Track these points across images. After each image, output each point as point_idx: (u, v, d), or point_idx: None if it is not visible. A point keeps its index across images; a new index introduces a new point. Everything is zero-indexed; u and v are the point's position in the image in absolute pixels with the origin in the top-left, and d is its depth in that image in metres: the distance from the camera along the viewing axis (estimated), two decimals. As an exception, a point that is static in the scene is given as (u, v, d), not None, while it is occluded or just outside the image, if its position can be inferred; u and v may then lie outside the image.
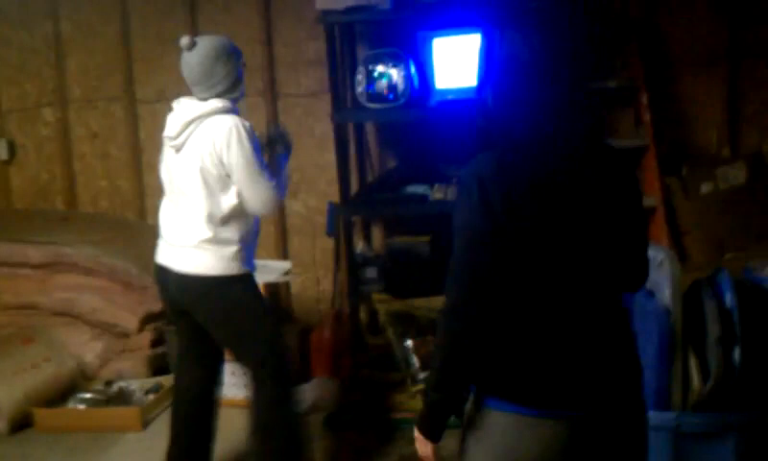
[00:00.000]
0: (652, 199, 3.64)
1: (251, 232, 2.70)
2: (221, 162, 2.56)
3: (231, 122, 2.56)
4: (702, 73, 3.77)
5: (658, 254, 2.73)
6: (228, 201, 2.60)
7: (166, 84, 4.08)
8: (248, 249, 2.68)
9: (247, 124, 2.60)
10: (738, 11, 3.65)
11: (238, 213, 2.62)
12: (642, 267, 1.72)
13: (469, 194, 1.57)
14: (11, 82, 4.47)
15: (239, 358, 2.80)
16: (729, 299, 2.59)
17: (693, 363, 2.55)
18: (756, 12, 3.63)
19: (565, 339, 1.60)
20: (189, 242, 2.63)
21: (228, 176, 2.58)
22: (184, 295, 2.68)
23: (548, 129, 1.59)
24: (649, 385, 2.31)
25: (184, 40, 2.62)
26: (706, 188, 3.50)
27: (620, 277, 1.67)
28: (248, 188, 2.58)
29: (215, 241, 2.61)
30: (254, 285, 2.75)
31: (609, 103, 3.83)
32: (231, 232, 2.62)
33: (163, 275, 2.72)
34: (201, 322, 2.71)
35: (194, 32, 3.81)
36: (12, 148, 4.51)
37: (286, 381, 2.77)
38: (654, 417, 1.96)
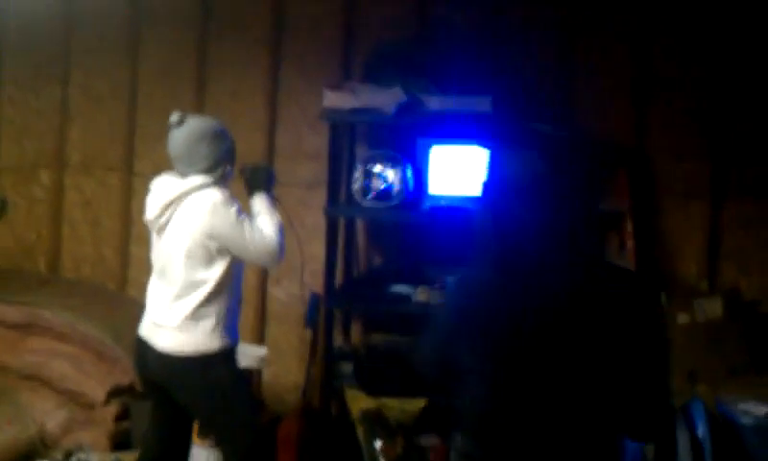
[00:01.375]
0: (631, 324, 3.69)
1: (231, 305, 2.71)
2: (209, 237, 2.60)
3: (212, 196, 2.63)
4: (685, 206, 3.88)
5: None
6: (212, 277, 2.63)
7: (165, 159, 4.11)
8: (229, 321, 2.69)
9: (226, 192, 2.67)
10: (723, 150, 3.80)
11: (219, 288, 2.65)
12: (649, 416, 1.53)
13: (448, 309, 1.68)
14: (11, 140, 4.53)
15: (215, 438, 2.76)
16: (701, 431, 2.60)
17: (664, 492, 2.54)
18: (741, 153, 3.78)
19: None
20: (170, 323, 2.65)
21: (218, 250, 2.61)
22: (165, 373, 2.67)
23: (545, 251, 1.55)
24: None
25: (174, 117, 2.72)
26: (682, 319, 3.55)
27: (615, 423, 1.54)
28: (245, 250, 2.62)
29: (194, 318, 2.62)
30: (235, 363, 2.74)
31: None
32: (209, 307, 2.65)
33: (143, 348, 2.72)
34: (180, 400, 2.68)
35: (200, 114, 3.90)
36: (3, 205, 4.53)
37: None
38: None
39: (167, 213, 2.65)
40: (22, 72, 4.50)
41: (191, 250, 2.61)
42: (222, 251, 2.63)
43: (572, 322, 1.51)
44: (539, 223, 1.56)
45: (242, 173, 2.89)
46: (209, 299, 2.63)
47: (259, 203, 2.80)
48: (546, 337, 1.52)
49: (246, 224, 2.63)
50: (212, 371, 2.64)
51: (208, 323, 2.62)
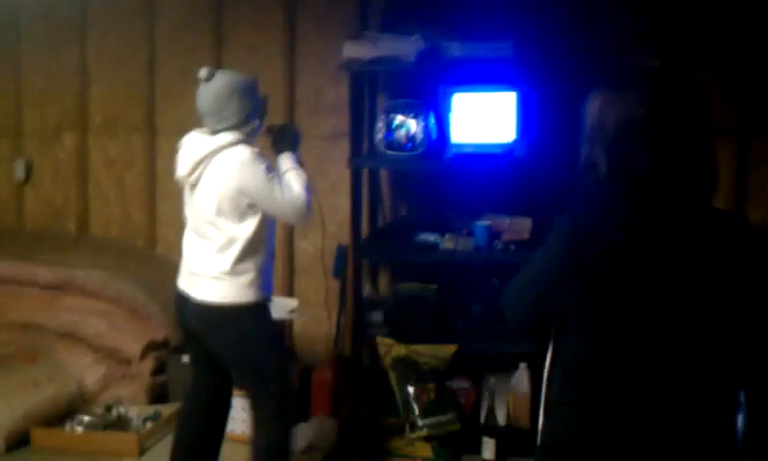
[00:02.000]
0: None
1: (266, 260, 2.75)
2: (240, 194, 2.63)
3: (241, 153, 2.65)
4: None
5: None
6: (244, 232, 2.66)
7: (186, 116, 4.12)
8: (264, 275, 2.74)
9: (255, 150, 2.69)
10: (747, 90, 3.76)
11: (255, 242, 2.69)
12: (758, 364, 1.52)
13: (559, 249, 1.53)
14: (34, 105, 4.56)
15: (247, 388, 2.83)
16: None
17: None
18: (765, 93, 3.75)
19: (636, 433, 1.46)
20: (207, 272, 2.69)
21: (249, 206, 2.65)
22: (200, 323, 2.73)
23: (660, 190, 1.49)
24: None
25: (203, 72, 2.72)
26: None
27: (724, 371, 1.51)
28: (274, 208, 2.66)
29: (232, 272, 2.67)
30: (269, 317, 2.80)
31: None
32: (247, 262, 2.68)
33: (182, 301, 2.77)
34: (214, 350, 2.75)
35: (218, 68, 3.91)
36: (29, 169, 4.58)
37: (288, 419, 2.80)
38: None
39: (198, 170, 2.68)
40: (40, 36, 4.51)
41: (222, 206, 2.64)
42: (252, 207, 2.66)
43: (695, 266, 1.48)
44: (658, 162, 1.49)
45: (269, 132, 2.91)
46: (244, 253, 2.67)
47: (286, 161, 2.82)
48: (668, 282, 1.47)
49: (275, 181, 2.66)
50: (246, 323, 2.70)
51: (245, 277, 2.67)
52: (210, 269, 2.68)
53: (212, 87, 2.70)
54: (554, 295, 1.53)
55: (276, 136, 2.90)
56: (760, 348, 1.50)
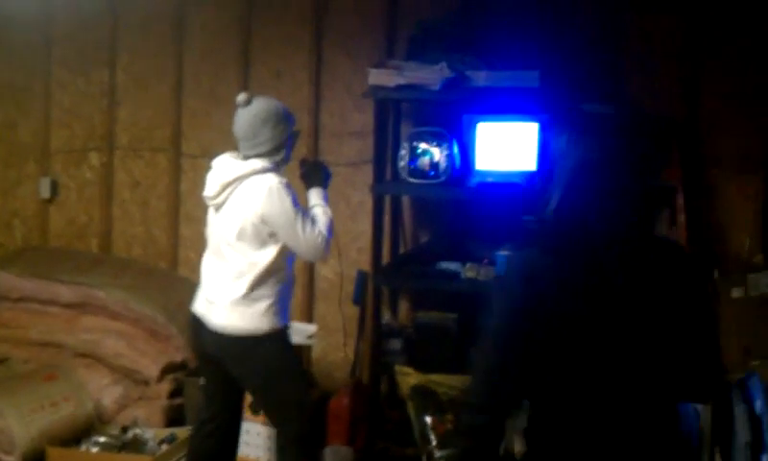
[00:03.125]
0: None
1: (284, 288, 2.74)
2: (263, 221, 2.62)
3: (270, 181, 2.65)
4: (738, 180, 3.82)
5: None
6: (264, 259, 2.66)
7: (212, 140, 4.20)
8: (281, 303, 2.73)
9: (284, 180, 2.68)
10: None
11: (274, 270, 2.68)
12: (707, 377, 1.64)
13: (511, 293, 1.57)
14: (61, 124, 4.61)
15: (268, 414, 2.81)
16: (759, 405, 2.58)
17: (720, 466, 2.53)
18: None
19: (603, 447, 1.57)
20: (224, 298, 2.69)
21: (270, 235, 2.64)
22: (220, 350, 2.72)
23: (610, 229, 1.59)
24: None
25: (241, 97, 2.73)
26: (736, 294, 3.50)
27: (678, 386, 1.62)
28: (294, 241, 2.65)
29: (248, 299, 2.66)
30: (287, 343, 2.78)
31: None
32: (264, 289, 2.67)
33: (198, 324, 2.77)
34: (235, 375, 2.74)
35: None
36: (54, 187, 4.62)
37: (309, 446, 2.77)
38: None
39: (225, 193, 2.69)
40: (70, 56, 4.57)
41: (245, 231, 2.64)
42: (273, 235, 2.66)
43: (633, 296, 1.57)
44: (606, 202, 1.59)
45: (301, 165, 2.93)
46: (262, 280, 2.67)
47: (315, 196, 2.84)
48: (615, 314, 1.56)
49: (300, 215, 2.66)
50: (264, 349, 2.69)
51: (261, 304, 2.66)
52: (227, 295, 2.68)
53: (249, 113, 2.71)
54: (525, 341, 1.56)
55: (307, 170, 2.91)
56: (692, 359, 1.61)
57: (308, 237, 2.66)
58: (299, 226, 2.64)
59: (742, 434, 2.51)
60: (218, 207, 2.72)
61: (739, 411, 2.56)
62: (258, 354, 2.68)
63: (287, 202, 2.63)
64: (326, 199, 2.87)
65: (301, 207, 2.71)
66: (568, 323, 1.54)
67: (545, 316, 1.54)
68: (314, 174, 2.90)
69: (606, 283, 1.56)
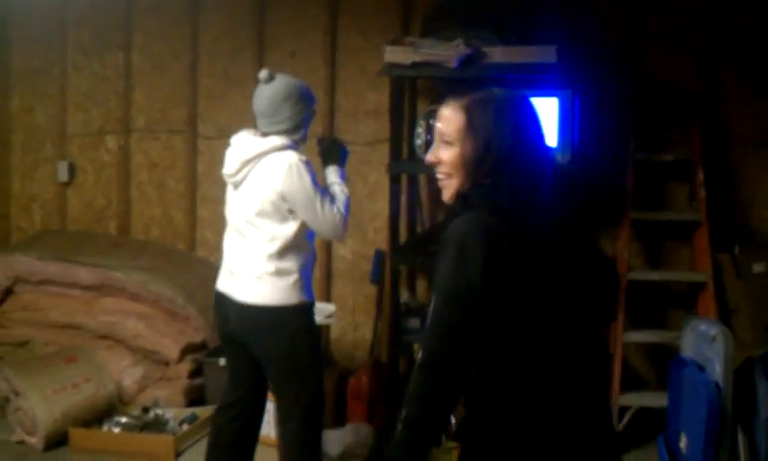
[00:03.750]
0: (703, 275, 3.63)
1: (308, 262, 2.74)
2: (282, 198, 2.62)
3: (289, 158, 2.63)
4: (758, 154, 3.78)
5: (710, 329, 2.71)
6: (285, 233, 2.65)
7: (228, 121, 4.20)
8: (306, 278, 2.73)
9: (303, 158, 2.67)
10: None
11: (295, 245, 2.67)
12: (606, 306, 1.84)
13: (471, 253, 1.56)
14: (78, 107, 4.62)
15: (280, 392, 2.79)
16: (781, 380, 2.56)
17: (742, 441, 2.52)
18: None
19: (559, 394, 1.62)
20: (250, 273, 2.68)
21: (290, 211, 2.64)
22: (244, 325, 2.72)
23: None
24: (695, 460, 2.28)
25: (263, 73, 2.71)
26: (757, 268, 3.48)
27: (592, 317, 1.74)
28: (313, 219, 2.64)
29: (275, 273, 2.65)
30: (312, 318, 2.78)
31: (665, 176, 3.86)
32: (290, 263, 2.67)
33: (222, 302, 2.76)
34: (257, 353, 2.74)
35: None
36: (72, 171, 4.65)
37: (316, 424, 2.78)
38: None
39: (245, 170, 2.68)
40: (85, 39, 4.58)
41: (264, 208, 2.64)
42: (293, 212, 2.65)
43: (564, 253, 1.68)
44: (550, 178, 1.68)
45: (319, 144, 2.91)
46: (285, 253, 2.66)
47: (333, 174, 2.83)
48: (559, 271, 1.65)
49: (319, 194, 2.65)
50: (293, 325, 2.68)
51: (289, 278, 2.66)
52: (252, 269, 2.68)
53: (270, 90, 2.70)
54: (476, 309, 1.57)
55: (325, 148, 2.90)
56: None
57: (327, 215, 2.66)
58: (318, 204, 2.64)
59: (764, 409, 2.50)
60: (237, 185, 2.72)
61: (762, 386, 2.54)
62: (287, 329, 2.67)
63: (307, 179, 2.62)
64: (344, 177, 2.86)
65: (320, 186, 2.70)
66: (524, 282, 1.59)
67: (503, 277, 1.56)
68: (332, 152, 2.89)
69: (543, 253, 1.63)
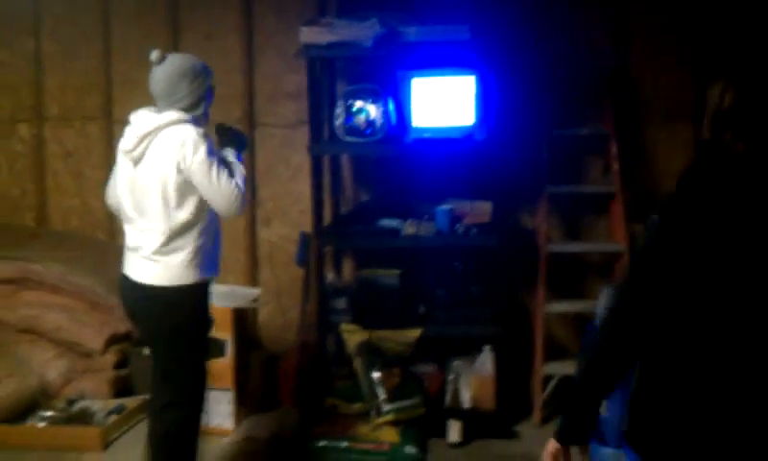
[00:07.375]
0: (619, 245, 3.76)
1: (207, 239, 2.72)
2: (179, 170, 2.61)
3: (186, 130, 2.63)
4: (669, 127, 3.91)
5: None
6: (184, 210, 2.65)
7: (144, 105, 4.08)
8: (204, 254, 2.71)
9: (201, 130, 2.67)
10: (704, 71, 3.80)
11: (193, 223, 2.67)
12: None
13: (674, 224, 1.54)
14: (-13, 96, 4.46)
15: (165, 373, 2.78)
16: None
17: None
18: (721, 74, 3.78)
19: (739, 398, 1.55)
20: (143, 252, 2.68)
21: (187, 184, 2.63)
22: (136, 305, 2.72)
23: None
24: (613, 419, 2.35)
25: (154, 54, 2.70)
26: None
27: None
28: (208, 190, 2.64)
29: (167, 251, 2.66)
30: (205, 299, 2.77)
31: (581, 150, 3.96)
32: (184, 241, 2.67)
33: (123, 282, 2.76)
34: (143, 333, 2.74)
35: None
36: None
37: (198, 405, 2.79)
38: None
39: (142, 145, 2.67)
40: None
41: (163, 183, 2.63)
42: (190, 186, 2.64)
43: None
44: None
45: (217, 131, 2.91)
46: (180, 232, 2.65)
47: (231, 155, 2.82)
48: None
49: (214, 164, 2.64)
50: (179, 304, 2.68)
51: (181, 255, 2.65)
52: (146, 248, 2.68)
53: (164, 70, 2.68)
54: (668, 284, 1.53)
55: (221, 135, 2.89)
56: None
57: (223, 188, 2.64)
58: (213, 174, 2.62)
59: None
60: (136, 162, 2.69)
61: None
62: (175, 309, 2.67)
63: (202, 149, 2.61)
64: (241, 160, 2.84)
65: (217, 156, 2.69)
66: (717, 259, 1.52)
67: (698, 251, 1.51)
68: (229, 138, 2.88)
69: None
